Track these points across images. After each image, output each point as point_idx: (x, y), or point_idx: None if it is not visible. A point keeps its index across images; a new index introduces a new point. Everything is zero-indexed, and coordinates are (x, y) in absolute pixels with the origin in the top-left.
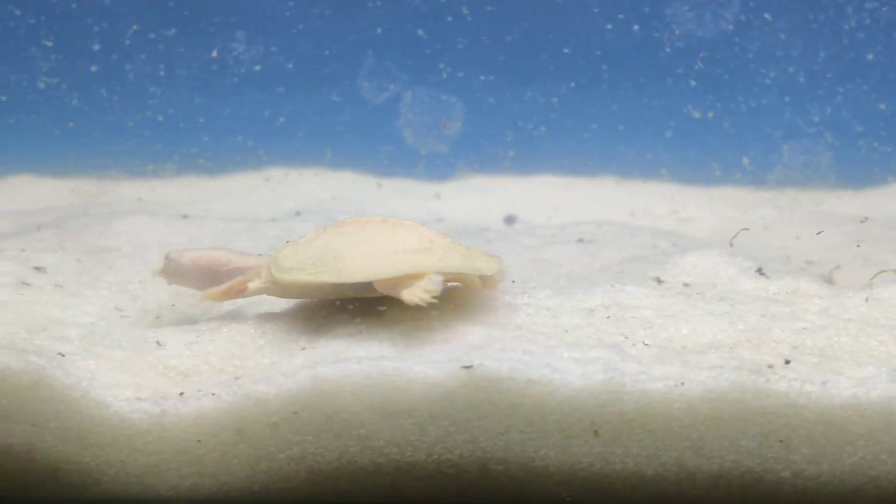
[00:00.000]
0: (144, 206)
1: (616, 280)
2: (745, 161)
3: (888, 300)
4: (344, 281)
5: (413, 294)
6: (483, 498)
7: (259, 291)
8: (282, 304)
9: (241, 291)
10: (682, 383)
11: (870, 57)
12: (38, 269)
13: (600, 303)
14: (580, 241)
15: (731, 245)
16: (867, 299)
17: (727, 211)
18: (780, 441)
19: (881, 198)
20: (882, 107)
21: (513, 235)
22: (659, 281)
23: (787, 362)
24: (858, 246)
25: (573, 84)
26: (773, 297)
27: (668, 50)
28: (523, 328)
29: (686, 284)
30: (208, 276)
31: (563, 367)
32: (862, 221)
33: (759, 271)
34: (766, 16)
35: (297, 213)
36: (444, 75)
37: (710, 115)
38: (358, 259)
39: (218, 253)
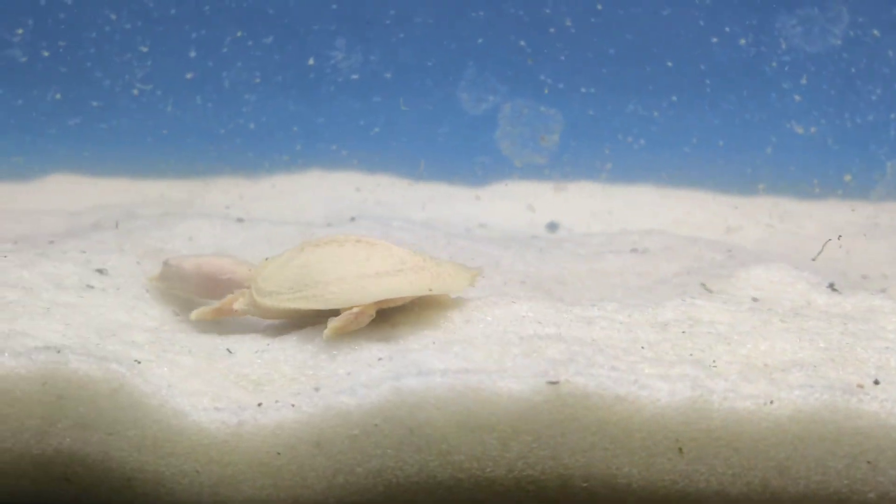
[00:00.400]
0: (200, 208)
1: (684, 293)
2: (847, 177)
3: None
4: (318, 308)
5: (327, 331)
6: None
7: (244, 312)
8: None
9: (229, 311)
10: (772, 402)
11: None
12: (99, 271)
13: (673, 317)
14: (634, 251)
15: (814, 260)
16: None
17: (771, 222)
18: (868, 462)
19: None
20: None
21: (563, 244)
22: (708, 289)
23: (877, 382)
24: None
25: (675, 98)
26: (848, 314)
27: (773, 64)
28: (599, 343)
29: (755, 299)
30: (210, 284)
31: (650, 383)
32: None
33: (832, 287)
34: (875, 32)
35: (352, 219)
36: (546, 90)
37: (812, 130)
38: (331, 285)
39: (221, 261)
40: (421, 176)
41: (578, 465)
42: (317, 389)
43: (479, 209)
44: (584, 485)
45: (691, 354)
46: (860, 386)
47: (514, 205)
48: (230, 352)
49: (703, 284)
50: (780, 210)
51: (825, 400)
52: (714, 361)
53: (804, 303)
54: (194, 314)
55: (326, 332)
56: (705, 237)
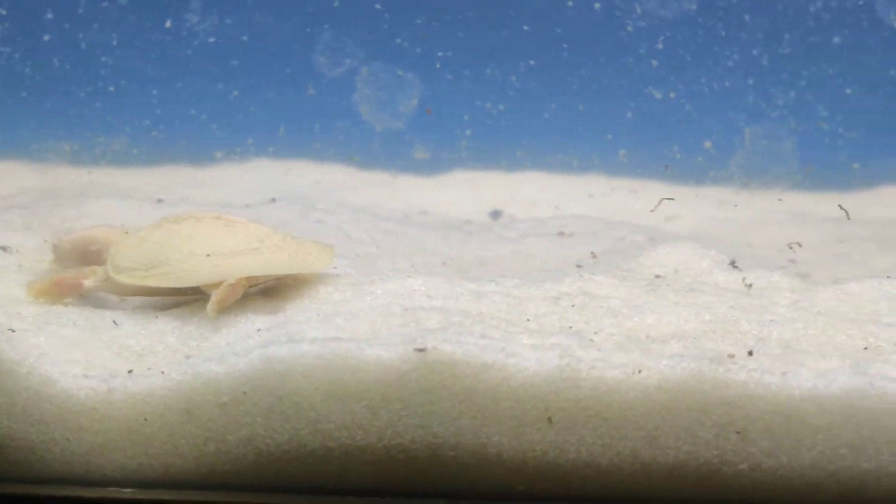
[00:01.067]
0: (116, 190)
1: (587, 270)
2: (707, 144)
3: (859, 295)
4: (170, 285)
5: (209, 308)
6: (433, 484)
7: (96, 288)
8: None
9: (74, 287)
10: (639, 371)
11: (836, 40)
12: (2, 248)
13: (567, 291)
14: (560, 234)
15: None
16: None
17: (711, 210)
18: (738, 433)
19: (865, 201)
20: (848, 91)
21: (494, 228)
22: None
23: (750, 353)
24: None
25: (533, 62)
26: (743, 289)
27: (629, 29)
28: (486, 314)
29: (658, 276)
30: (86, 256)
31: (519, 352)
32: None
33: (733, 264)
34: None
35: (273, 200)
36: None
37: (672, 95)
38: (185, 262)
39: (94, 231)
40: (370, 165)
41: (447, 433)
42: (188, 357)
43: (425, 198)
44: (452, 454)
45: (570, 326)
46: (731, 356)
47: (461, 193)
48: (116, 324)
49: (592, 253)
50: (721, 199)
51: (692, 369)
52: (596, 333)
53: (704, 279)
54: (30, 290)
55: (209, 308)
56: (639, 223)
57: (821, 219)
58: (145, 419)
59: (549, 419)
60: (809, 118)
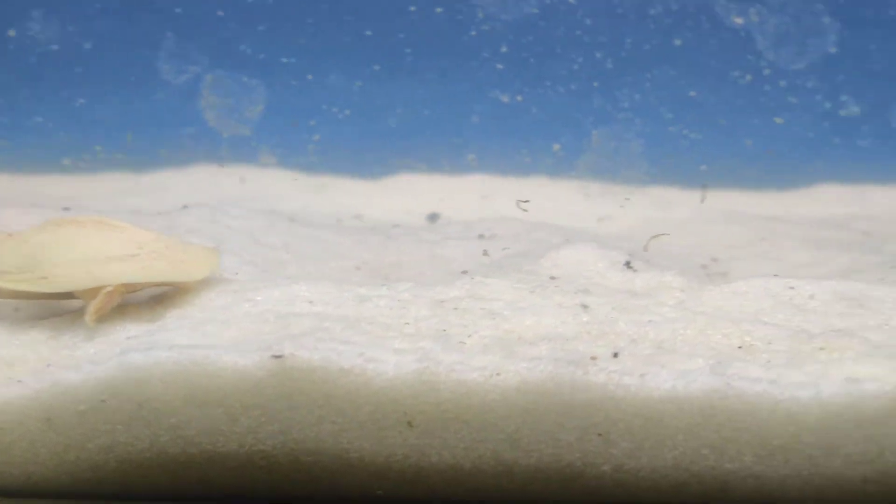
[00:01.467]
0: (24, 198)
1: (479, 273)
2: (556, 147)
3: (745, 293)
4: (44, 291)
5: (86, 317)
6: (296, 490)
7: None
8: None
9: None
10: (498, 374)
11: (677, 42)
12: None
13: (456, 295)
14: (480, 237)
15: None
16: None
17: (647, 210)
18: (599, 435)
19: (798, 199)
20: (692, 93)
21: (418, 232)
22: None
23: (615, 355)
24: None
25: (377, 67)
26: (633, 290)
27: (472, 33)
28: (364, 319)
29: (553, 277)
30: None
31: (378, 356)
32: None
33: (628, 265)
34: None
35: (185, 207)
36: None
37: (519, 98)
38: (61, 268)
39: None
40: (313, 168)
41: (308, 439)
42: (48, 366)
43: (366, 202)
44: (312, 459)
45: (445, 330)
46: (593, 358)
47: (403, 198)
48: None
49: (484, 251)
50: (661, 200)
51: (550, 372)
52: (469, 336)
53: (597, 280)
54: None
55: (86, 317)
56: (566, 225)
57: (751, 217)
58: (2, 428)
59: (409, 423)
60: (655, 119)
